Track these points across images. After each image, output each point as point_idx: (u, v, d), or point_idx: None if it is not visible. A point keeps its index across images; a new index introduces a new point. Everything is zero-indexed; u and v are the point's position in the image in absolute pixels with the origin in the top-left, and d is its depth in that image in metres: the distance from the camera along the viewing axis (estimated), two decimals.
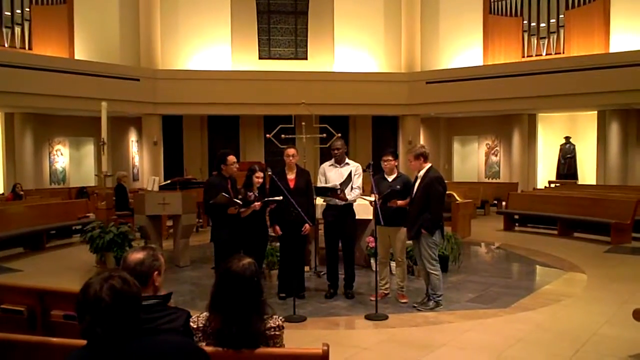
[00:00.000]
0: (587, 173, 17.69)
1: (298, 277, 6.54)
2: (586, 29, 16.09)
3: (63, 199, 13.76)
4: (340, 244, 6.72)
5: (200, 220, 12.57)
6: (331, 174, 6.64)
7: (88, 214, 11.82)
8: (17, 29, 14.98)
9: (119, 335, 1.79)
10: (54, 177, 17.27)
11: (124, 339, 1.80)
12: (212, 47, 17.75)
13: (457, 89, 16.87)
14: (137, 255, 2.52)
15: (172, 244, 9.29)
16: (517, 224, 13.04)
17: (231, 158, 6.44)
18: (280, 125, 9.79)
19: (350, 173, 6.53)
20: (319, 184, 6.66)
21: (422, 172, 6.15)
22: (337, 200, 6.43)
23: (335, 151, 6.67)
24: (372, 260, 7.64)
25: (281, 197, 6.12)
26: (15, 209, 10.93)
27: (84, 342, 2.45)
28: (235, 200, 6.10)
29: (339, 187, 6.30)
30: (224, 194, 6.07)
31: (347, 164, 6.69)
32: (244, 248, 6.24)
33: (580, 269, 8.24)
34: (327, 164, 6.81)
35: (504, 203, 14.45)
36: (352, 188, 6.48)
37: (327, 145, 9.65)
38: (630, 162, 16.50)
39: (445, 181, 6.51)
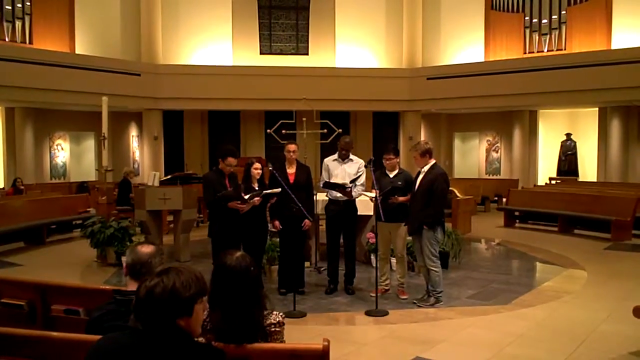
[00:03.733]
0: (587, 170, 17.68)
1: (298, 272, 6.54)
2: (588, 25, 16.04)
3: (63, 194, 13.77)
4: (341, 239, 6.72)
5: (201, 215, 12.58)
6: (336, 171, 6.62)
7: (88, 209, 11.83)
8: (18, 23, 14.94)
9: (153, 332, 1.88)
10: (54, 171, 17.28)
11: (156, 336, 1.88)
12: (213, 42, 17.71)
13: (458, 85, 16.85)
14: (147, 250, 2.66)
15: (173, 239, 9.30)
16: (517, 221, 13.05)
17: (231, 160, 6.33)
18: (281, 121, 9.77)
19: (358, 170, 6.53)
20: (321, 180, 6.65)
21: (426, 168, 6.13)
22: (339, 195, 6.43)
23: (344, 152, 6.63)
24: (373, 256, 7.64)
25: (279, 190, 6.11)
26: (15, 204, 10.93)
27: (85, 336, 2.46)
28: (243, 196, 6.04)
29: (349, 185, 6.30)
30: (232, 189, 6.04)
31: (351, 160, 6.68)
32: (244, 243, 6.24)
33: (581, 266, 8.24)
34: (330, 159, 6.78)
35: (504, 199, 14.45)
36: (355, 184, 6.48)
37: (328, 141, 9.68)
38: (631, 159, 16.49)
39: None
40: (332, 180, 6.49)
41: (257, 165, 6.38)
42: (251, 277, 2.46)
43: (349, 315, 5.93)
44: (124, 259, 8.08)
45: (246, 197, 6.03)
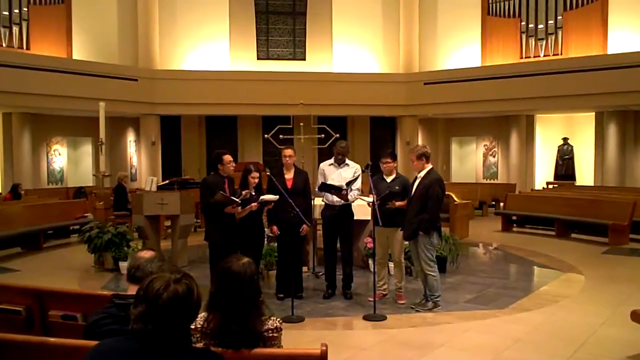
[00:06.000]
0: (584, 174, 17.71)
1: (296, 277, 6.53)
2: (584, 30, 16.10)
3: (61, 199, 13.74)
4: (338, 244, 6.72)
5: (199, 220, 12.56)
6: (332, 176, 6.62)
7: (86, 214, 11.81)
8: (15, 29, 14.94)
9: (162, 337, 1.85)
10: (51, 177, 17.23)
11: (165, 342, 1.85)
12: (211, 47, 17.73)
13: (455, 89, 16.88)
14: (145, 255, 2.71)
15: (170, 244, 9.29)
16: (515, 225, 13.05)
17: (227, 157, 6.36)
18: (279, 126, 9.78)
19: (354, 174, 6.54)
20: (318, 184, 6.65)
21: (422, 173, 6.17)
22: (336, 199, 6.43)
23: (340, 157, 6.65)
24: (370, 261, 7.64)
25: (277, 197, 6.11)
26: (13, 209, 10.90)
27: (82, 342, 2.45)
28: (233, 198, 6.05)
29: (345, 187, 6.31)
30: (221, 192, 6.04)
31: (347, 164, 6.70)
32: (240, 248, 6.23)
33: (578, 270, 8.25)
34: (326, 163, 6.80)
35: (501, 204, 14.47)
36: (351, 189, 6.48)
37: (325, 146, 9.68)
38: (628, 163, 16.53)
39: (444, 182, 6.52)
40: (336, 184, 6.48)
41: (255, 174, 6.36)
42: (254, 284, 2.47)
43: (347, 320, 5.93)
44: (121, 264, 8.07)
45: (238, 199, 6.02)
